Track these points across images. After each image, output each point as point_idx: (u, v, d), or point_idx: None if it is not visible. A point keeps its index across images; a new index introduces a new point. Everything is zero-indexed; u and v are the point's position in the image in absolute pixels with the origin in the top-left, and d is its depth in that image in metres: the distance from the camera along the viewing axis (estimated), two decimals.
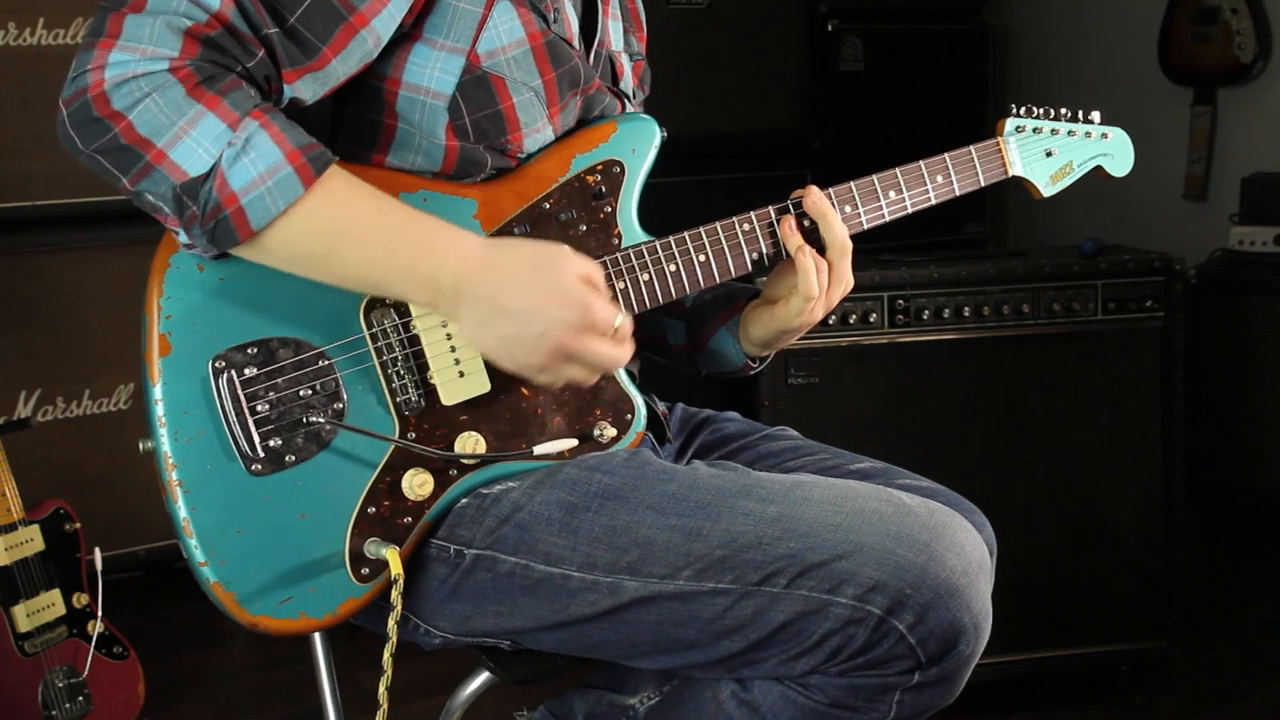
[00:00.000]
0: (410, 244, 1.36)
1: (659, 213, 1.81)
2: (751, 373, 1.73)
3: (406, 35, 1.43)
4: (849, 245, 1.58)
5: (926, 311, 2.60)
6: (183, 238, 1.34)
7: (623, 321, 1.42)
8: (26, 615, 2.43)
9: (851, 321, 2.59)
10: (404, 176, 1.47)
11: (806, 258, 1.56)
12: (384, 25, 1.39)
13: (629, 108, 1.67)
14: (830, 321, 2.58)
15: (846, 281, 1.60)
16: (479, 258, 1.37)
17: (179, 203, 1.29)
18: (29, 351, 3.15)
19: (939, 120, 4.12)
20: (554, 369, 1.40)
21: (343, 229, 1.34)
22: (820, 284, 1.57)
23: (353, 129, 1.49)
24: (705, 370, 1.78)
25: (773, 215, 1.57)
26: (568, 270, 1.38)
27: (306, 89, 1.37)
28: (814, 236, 1.57)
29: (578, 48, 1.55)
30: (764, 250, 1.57)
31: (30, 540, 2.47)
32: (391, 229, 1.36)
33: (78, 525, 2.56)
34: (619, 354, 1.42)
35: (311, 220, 1.32)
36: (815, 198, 1.57)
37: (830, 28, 4.01)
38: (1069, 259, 2.67)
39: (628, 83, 1.69)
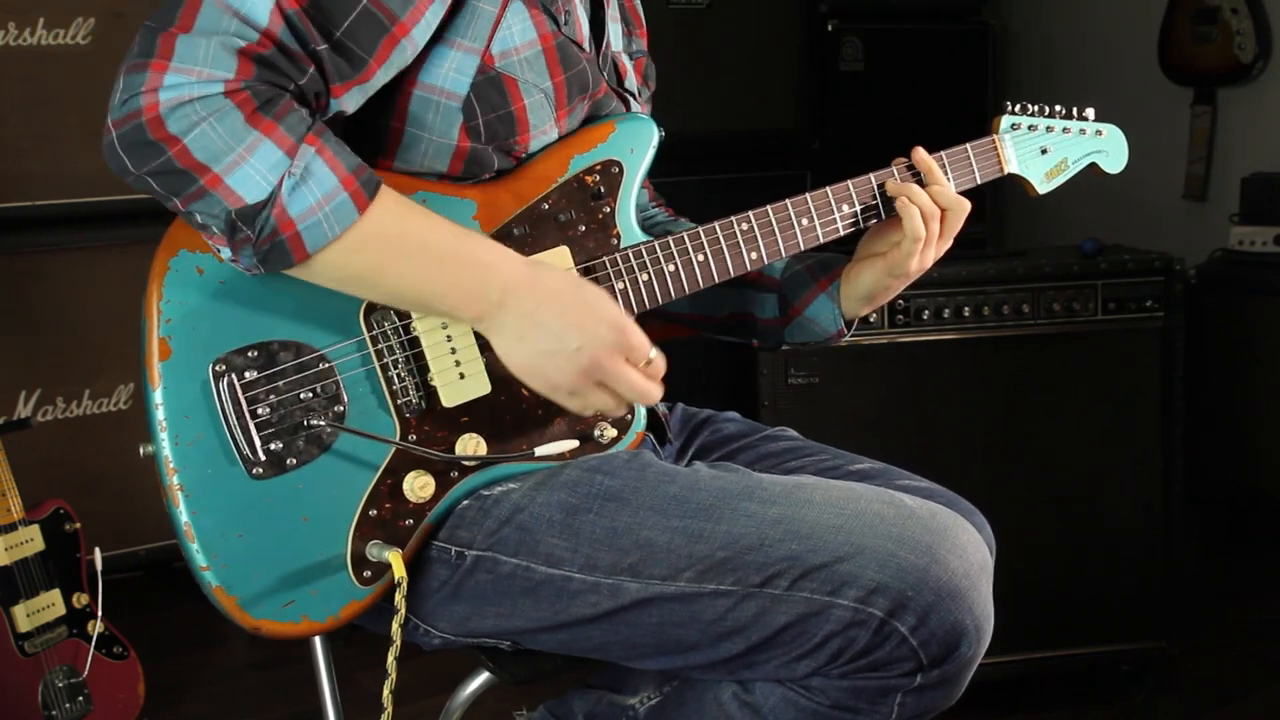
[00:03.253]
0: (459, 260, 1.37)
1: (675, 211, 1.81)
2: (843, 339, 1.73)
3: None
4: (966, 205, 1.61)
5: (926, 311, 2.60)
6: (226, 254, 1.33)
7: (657, 356, 1.43)
8: (26, 615, 2.43)
9: None
10: (403, 178, 1.47)
11: (911, 204, 1.58)
12: (422, 34, 1.39)
13: (635, 107, 1.67)
14: None
15: (949, 241, 1.64)
16: (524, 274, 1.38)
17: (232, 227, 1.29)
18: (29, 351, 3.15)
19: (939, 120, 4.11)
20: (584, 390, 1.40)
21: (394, 248, 1.35)
22: (932, 231, 1.59)
23: (360, 134, 1.48)
24: (790, 341, 1.77)
25: (770, 215, 1.57)
26: (606, 299, 1.41)
27: (352, 101, 1.38)
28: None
29: (588, 50, 1.55)
30: (763, 250, 1.57)
31: (30, 540, 2.47)
32: (440, 245, 1.36)
33: (78, 525, 2.56)
34: (649, 388, 1.43)
35: (364, 242, 1.33)
36: (927, 161, 1.61)
37: (830, 28, 4.00)
38: (1069, 259, 2.67)
39: (631, 82, 1.70)
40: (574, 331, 1.37)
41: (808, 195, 1.59)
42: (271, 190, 1.27)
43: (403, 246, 1.35)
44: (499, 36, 1.45)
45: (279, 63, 1.29)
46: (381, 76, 1.39)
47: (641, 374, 1.41)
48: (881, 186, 1.61)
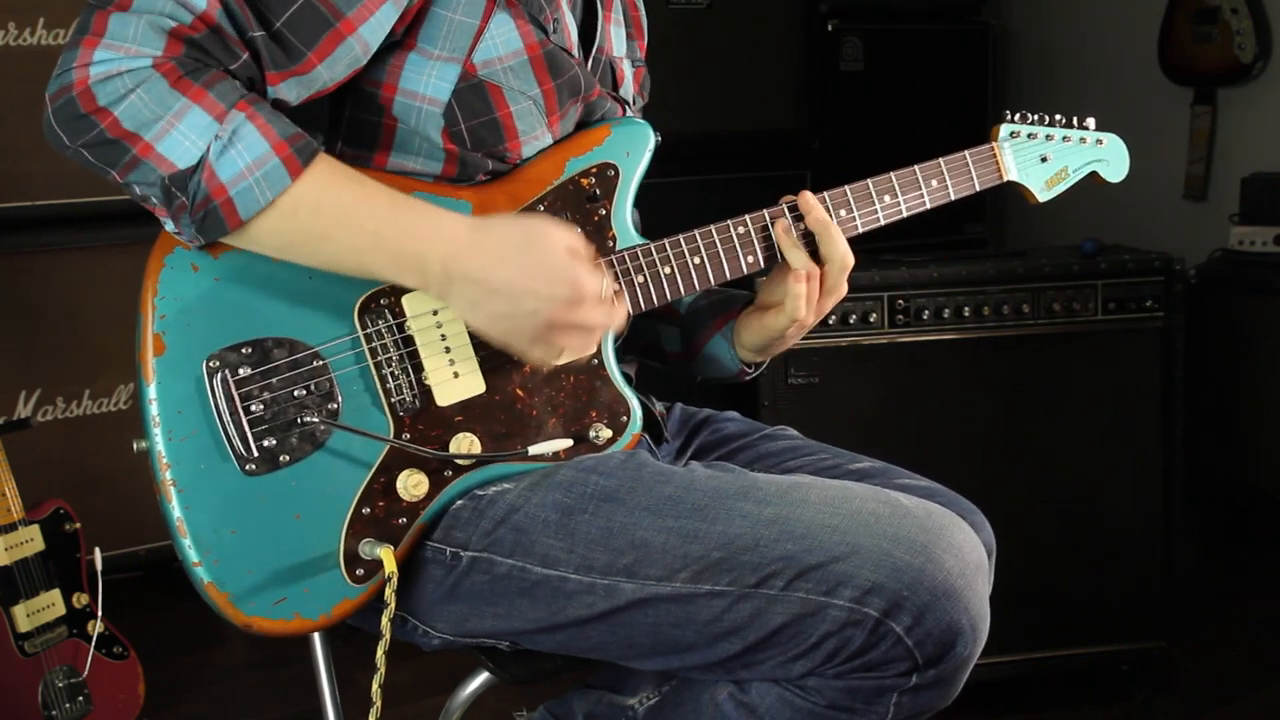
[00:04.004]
0: (396, 229, 1.36)
1: (659, 213, 1.81)
2: (747, 379, 1.73)
3: (399, 44, 1.43)
4: (850, 261, 1.58)
5: (926, 311, 2.60)
6: (170, 226, 1.35)
7: (609, 284, 1.43)
8: (26, 615, 2.43)
9: (851, 321, 2.59)
10: (400, 180, 1.47)
11: (799, 282, 1.55)
12: (372, 33, 1.39)
13: (628, 114, 1.66)
14: (830, 321, 2.58)
15: (840, 293, 1.60)
16: (466, 240, 1.38)
17: (167, 194, 1.30)
18: (29, 351, 3.15)
19: (939, 121, 4.11)
20: (547, 341, 1.41)
21: (330, 216, 1.35)
22: (811, 303, 1.57)
23: (353, 131, 1.49)
24: (701, 376, 1.78)
25: (767, 219, 1.57)
26: (555, 245, 1.39)
27: (290, 91, 1.38)
28: (811, 242, 1.57)
29: (577, 56, 1.55)
30: (759, 254, 1.57)
31: (30, 540, 2.47)
32: (378, 214, 1.36)
33: (78, 525, 2.56)
34: (610, 317, 1.44)
35: (299, 209, 1.33)
36: (815, 210, 1.57)
37: (830, 28, 4.01)
38: (1069, 259, 2.67)
39: (628, 89, 1.69)
40: (527, 296, 1.37)
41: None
42: (201, 155, 1.29)
43: (338, 215, 1.35)
44: (481, 47, 1.45)
45: (210, 45, 1.31)
46: (325, 72, 1.39)
47: (600, 308, 1.42)
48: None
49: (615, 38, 1.67)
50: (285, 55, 1.35)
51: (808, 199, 1.57)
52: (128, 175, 1.30)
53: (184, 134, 1.28)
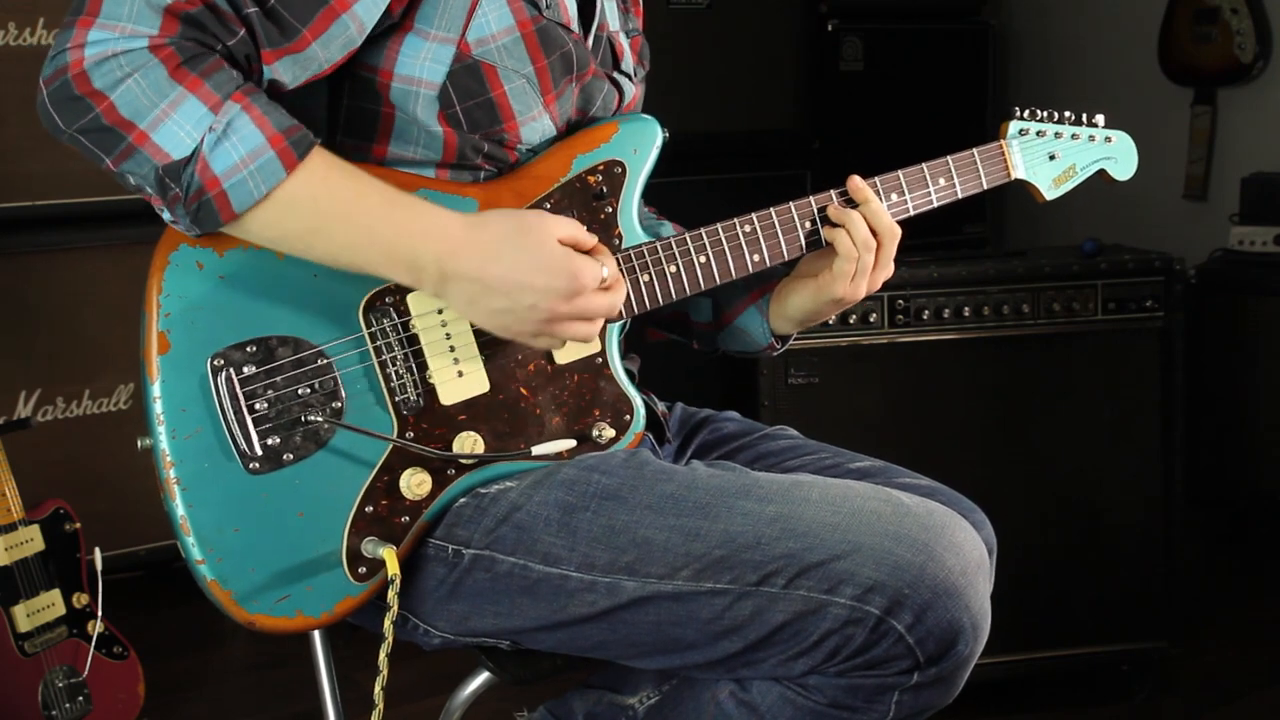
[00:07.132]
0: (391, 226, 1.36)
1: (659, 213, 1.81)
2: (774, 353, 1.73)
3: (398, 26, 1.43)
4: (898, 231, 1.59)
5: (926, 311, 2.60)
6: (166, 215, 1.35)
7: (610, 274, 1.43)
8: (26, 615, 2.43)
9: (851, 321, 2.60)
10: (403, 175, 1.47)
11: (843, 230, 1.57)
12: (366, 11, 1.38)
13: (630, 90, 1.66)
14: (830, 321, 2.58)
15: (888, 268, 1.61)
16: (460, 237, 1.37)
17: (161, 184, 1.30)
18: (29, 351, 3.14)
19: (939, 120, 4.12)
20: (548, 331, 1.41)
21: (324, 210, 1.35)
22: (865, 263, 1.58)
23: (351, 121, 1.48)
24: (724, 349, 1.78)
25: (774, 217, 1.57)
26: (549, 237, 1.40)
27: (286, 71, 1.37)
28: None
29: (576, 31, 1.55)
30: (765, 253, 1.57)
31: (30, 540, 2.47)
32: (373, 211, 1.36)
33: (78, 525, 2.56)
34: (611, 305, 1.44)
35: (294, 202, 1.33)
36: (858, 184, 1.58)
37: (830, 28, 4.01)
38: (1069, 259, 2.67)
39: (628, 63, 1.69)
40: (524, 290, 1.37)
41: (810, 198, 1.59)
42: (195, 146, 1.28)
43: (333, 210, 1.35)
44: (474, 25, 1.45)
45: (206, 22, 1.30)
46: (320, 51, 1.38)
47: (601, 296, 1.42)
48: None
49: (610, 12, 1.66)
50: (280, 32, 1.35)
51: (857, 181, 1.59)
52: (122, 164, 1.30)
53: (179, 124, 1.28)
